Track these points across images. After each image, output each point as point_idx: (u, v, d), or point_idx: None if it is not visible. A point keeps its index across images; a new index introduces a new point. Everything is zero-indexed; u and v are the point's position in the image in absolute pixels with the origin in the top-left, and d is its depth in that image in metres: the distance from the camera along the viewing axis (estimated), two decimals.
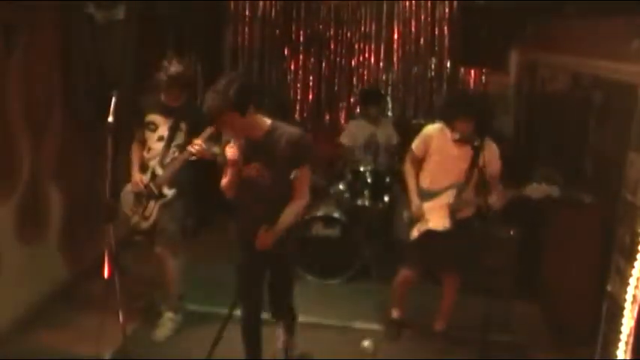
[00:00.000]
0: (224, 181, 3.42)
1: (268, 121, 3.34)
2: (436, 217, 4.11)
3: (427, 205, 4.15)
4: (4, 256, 4.13)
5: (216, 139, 4.06)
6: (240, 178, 3.36)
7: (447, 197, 4.09)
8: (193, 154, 4.04)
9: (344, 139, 6.05)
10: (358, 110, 6.77)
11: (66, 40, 4.67)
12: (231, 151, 3.29)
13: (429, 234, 4.14)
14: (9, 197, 4.22)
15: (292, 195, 3.39)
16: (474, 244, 4.25)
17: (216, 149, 4.12)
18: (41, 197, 4.60)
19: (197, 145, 4.00)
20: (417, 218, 4.17)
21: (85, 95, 4.79)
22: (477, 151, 3.89)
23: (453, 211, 4.08)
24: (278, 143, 3.28)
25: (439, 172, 4.13)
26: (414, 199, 4.20)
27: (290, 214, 3.38)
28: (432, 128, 4.20)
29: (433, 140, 4.14)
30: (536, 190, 3.89)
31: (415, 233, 4.18)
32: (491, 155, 4.00)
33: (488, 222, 4.17)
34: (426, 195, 4.18)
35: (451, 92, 7.34)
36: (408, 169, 4.29)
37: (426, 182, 4.21)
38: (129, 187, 4.33)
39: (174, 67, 4.14)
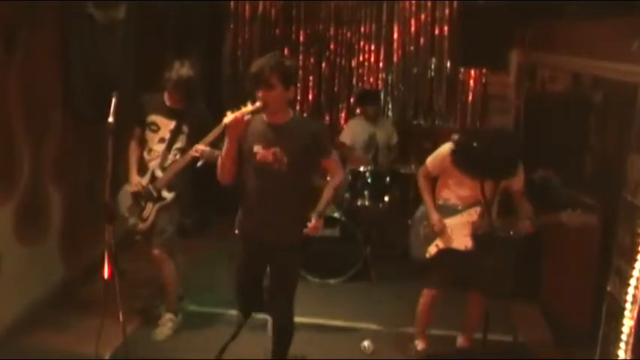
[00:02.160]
0: (219, 162, 3.41)
1: (291, 111, 3.45)
2: (458, 236, 3.92)
3: (449, 222, 3.94)
4: (4, 256, 4.13)
5: (218, 143, 4.06)
6: (239, 161, 3.38)
7: (471, 215, 3.89)
8: (196, 157, 4.01)
9: (344, 139, 6.06)
10: (358, 110, 6.77)
11: (66, 40, 4.66)
12: (231, 118, 3.20)
13: (449, 252, 3.95)
14: (9, 197, 4.22)
15: (329, 174, 3.55)
16: (495, 260, 4.00)
17: (218, 152, 4.11)
18: (41, 197, 4.60)
19: (200, 149, 3.97)
20: (438, 234, 3.95)
21: (85, 95, 4.79)
22: None
23: (475, 229, 3.87)
24: (300, 132, 3.36)
25: (462, 188, 3.89)
26: (433, 213, 3.95)
27: (330, 189, 3.48)
28: (450, 147, 3.87)
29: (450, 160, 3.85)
30: (573, 218, 3.68)
31: (433, 250, 3.98)
32: (518, 174, 3.80)
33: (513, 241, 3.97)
34: (450, 210, 3.96)
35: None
36: (423, 184, 4.03)
37: (450, 197, 3.97)
38: (127, 188, 4.32)
39: (184, 70, 4.11)
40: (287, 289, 3.62)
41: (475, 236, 3.87)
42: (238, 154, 3.38)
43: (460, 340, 4.43)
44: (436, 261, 3.98)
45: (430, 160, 4.02)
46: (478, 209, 3.85)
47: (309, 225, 3.35)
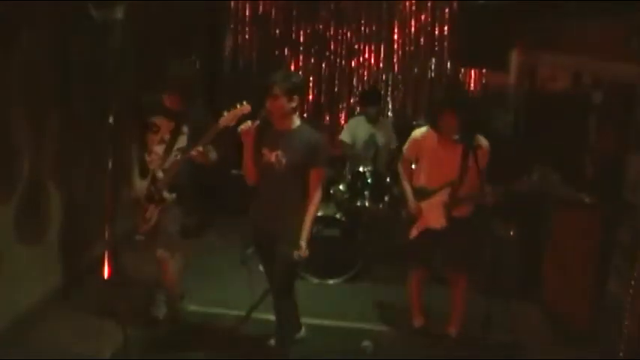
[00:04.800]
0: (243, 164, 3.82)
1: (299, 121, 3.77)
2: (433, 216, 4.20)
3: (424, 204, 4.25)
4: (4, 256, 4.13)
5: (216, 143, 4.07)
6: (255, 163, 3.76)
7: (442, 195, 4.17)
8: (192, 158, 4.02)
9: (344, 137, 6.06)
10: (358, 110, 6.77)
11: (66, 40, 4.66)
12: (244, 126, 3.63)
13: (428, 232, 4.23)
14: (9, 197, 4.22)
15: (307, 195, 3.71)
16: (473, 243, 4.30)
17: (214, 154, 4.12)
18: (41, 197, 4.60)
19: (197, 150, 3.98)
20: (415, 216, 4.28)
21: (84, 95, 4.79)
22: (467, 150, 4.00)
23: (447, 208, 4.15)
24: (300, 141, 3.69)
25: (432, 171, 4.23)
26: (409, 198, 4.34)
27: (310, 214, 3.71)
28: (419, 132, 4.32)
29: (421, 143, 4.26)
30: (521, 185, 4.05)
31: (414, 232, 4.29)
32: (483, 153, 4.07)
33: (487, 220, 4.25)
34: (423, 193, 4.26)
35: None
36: (401, 171, 4.45)
37: (421, 181, 4.30)
38: (131, 189, 4.30)
39: (184, 70, 4.10)
40: (285, 286, 3.85)
41: (450, 216, 4.14)
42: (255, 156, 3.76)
43: (450, 329, 4.48)
44: (416, 241, 4.30)
45: (405, 147, 4.41)
46: (449, 189, 4.15)
47: (300, 251, 3.62)
